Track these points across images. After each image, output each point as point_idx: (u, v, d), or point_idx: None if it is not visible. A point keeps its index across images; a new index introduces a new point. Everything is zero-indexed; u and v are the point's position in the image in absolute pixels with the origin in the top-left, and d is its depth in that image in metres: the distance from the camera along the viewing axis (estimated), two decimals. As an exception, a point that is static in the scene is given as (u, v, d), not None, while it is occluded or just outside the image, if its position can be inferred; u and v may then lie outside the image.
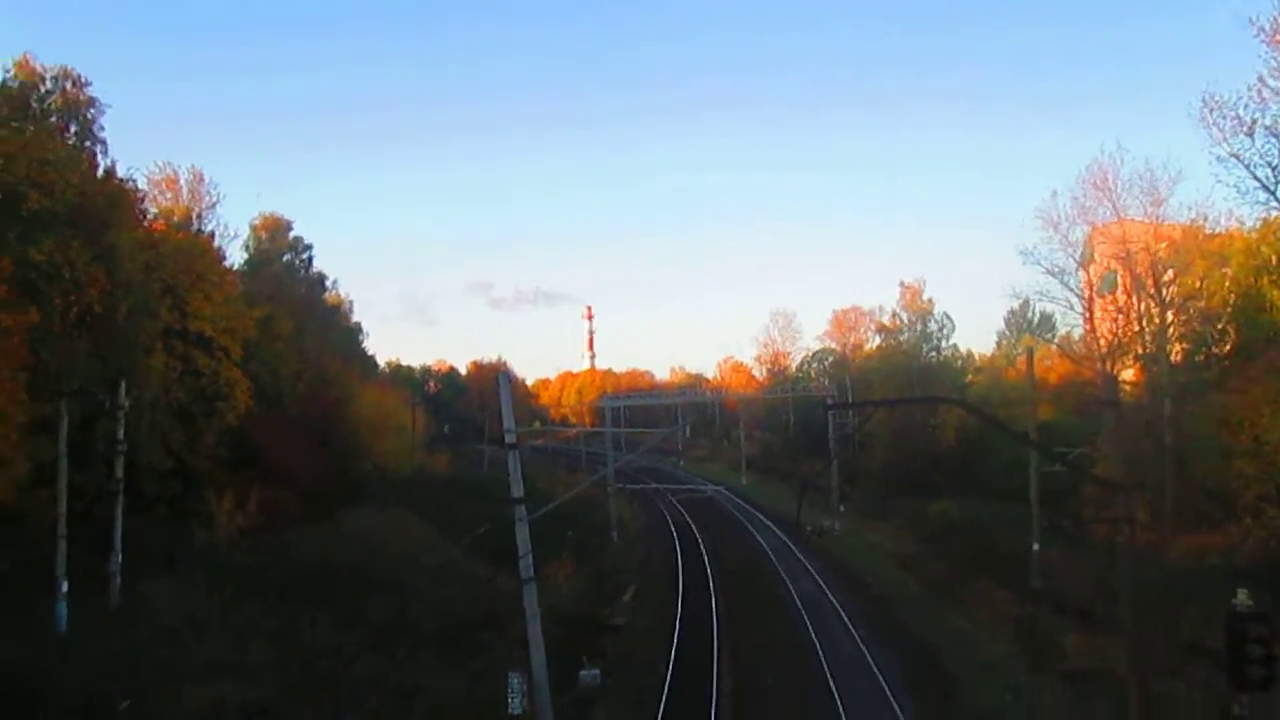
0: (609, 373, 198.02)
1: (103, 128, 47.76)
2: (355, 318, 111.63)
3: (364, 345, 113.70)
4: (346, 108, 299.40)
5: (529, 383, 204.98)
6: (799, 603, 45.70)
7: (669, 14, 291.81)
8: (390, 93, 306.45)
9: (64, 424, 31.19)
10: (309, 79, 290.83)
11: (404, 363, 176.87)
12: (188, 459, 46.16)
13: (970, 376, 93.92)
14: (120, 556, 33.13)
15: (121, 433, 34.29)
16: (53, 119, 45.95)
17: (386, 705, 28.75)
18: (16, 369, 33.49)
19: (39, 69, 46.85)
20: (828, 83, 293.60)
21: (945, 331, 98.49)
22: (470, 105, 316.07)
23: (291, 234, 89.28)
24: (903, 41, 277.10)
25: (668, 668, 35.24)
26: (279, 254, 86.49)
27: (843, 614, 43.02)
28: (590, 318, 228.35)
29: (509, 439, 25.71)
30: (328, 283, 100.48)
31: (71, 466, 31.30)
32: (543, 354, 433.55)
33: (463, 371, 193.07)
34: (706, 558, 58.35)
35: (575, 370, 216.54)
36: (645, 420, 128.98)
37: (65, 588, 29.82)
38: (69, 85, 47.46)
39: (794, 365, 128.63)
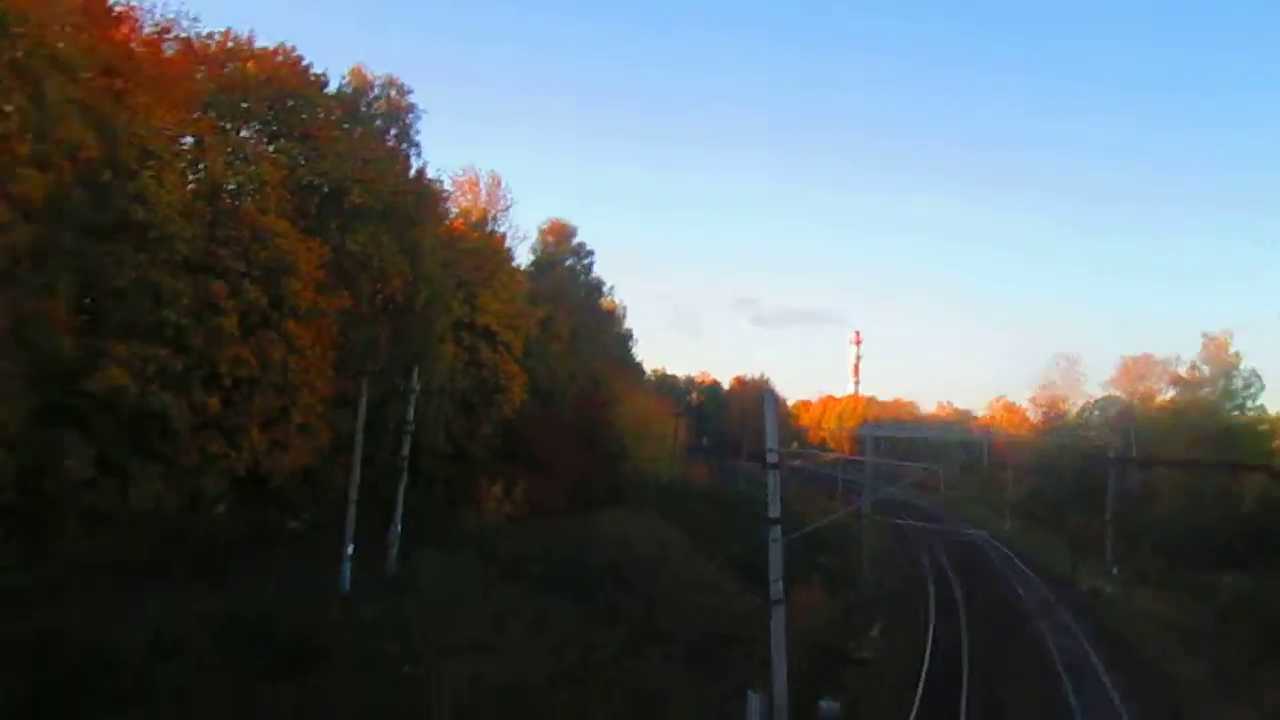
0: (872, 400, 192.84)
1: (418, 131, 51.89)
2: (627, 324, 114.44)
3: (633, 352, 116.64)
4: (626, 108, 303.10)
5: (789, 403, 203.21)
6: (1060, 665, 42.64)
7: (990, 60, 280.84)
8: (673, 97, 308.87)
9: (363, 401, 33.87)
10: (596, 78, 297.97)
11: (669, 372, 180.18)
12: (465, 445, 49.10)
13: (1279, 441, 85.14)
14: (399, 528, 35.67)
15: (410, 414, 36.88)
16: (377, 122, 50.30)
17: (631, 708, 29.03)
18: (328, 347, 36.96)
19: (369, 77, 51.55)
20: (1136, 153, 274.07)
21: (1252, 390, 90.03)
22: (749, 114, 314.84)
23: (575, 240, 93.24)
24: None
25: (911, 710, 33.88)
26: (562, 258, 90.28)
27: (1108, 685, 39.88)
28: (858, 343, 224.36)
29: (770, 458, 25.50)
30: (604, 289, 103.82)
31: (365, 440, 33.90)
32: (803, 374, 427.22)
33: (725, 386, 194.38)
34: (962, 603, 55.76)
35: (837, 394, 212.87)
36: (906, 453, 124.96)
37: (350, 550, 32.38)
38: (393, 92, 51.93)
39: (1073, 411, 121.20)
